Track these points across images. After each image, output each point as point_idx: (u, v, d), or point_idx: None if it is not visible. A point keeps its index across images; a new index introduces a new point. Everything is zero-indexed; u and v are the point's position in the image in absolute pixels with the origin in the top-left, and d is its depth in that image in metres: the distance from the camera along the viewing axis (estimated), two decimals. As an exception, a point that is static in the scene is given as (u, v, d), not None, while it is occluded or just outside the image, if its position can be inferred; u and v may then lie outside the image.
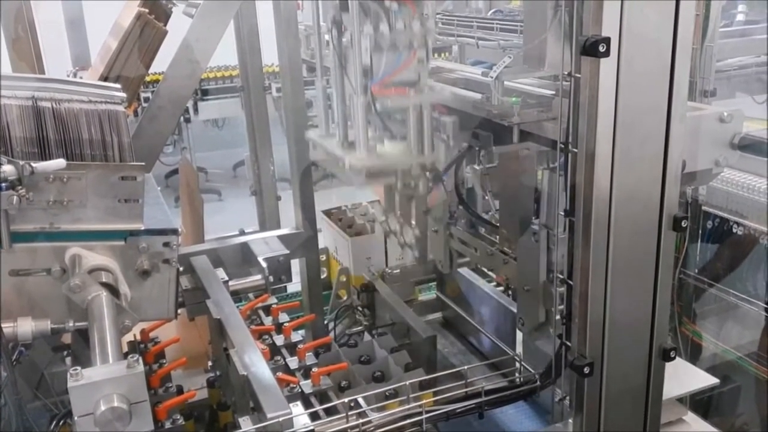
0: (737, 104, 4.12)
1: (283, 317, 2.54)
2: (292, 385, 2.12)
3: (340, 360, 2.38)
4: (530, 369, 2.15)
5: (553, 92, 1.81)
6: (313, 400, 2.11)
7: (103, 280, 1.87)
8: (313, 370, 2.19)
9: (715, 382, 2.17)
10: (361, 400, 1.99)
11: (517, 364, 2.27)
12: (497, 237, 2.52)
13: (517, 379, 2.15)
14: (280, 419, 1.79)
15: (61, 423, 2.20)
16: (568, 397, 1.99)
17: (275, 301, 2.65)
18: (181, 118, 7.00)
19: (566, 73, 1.64)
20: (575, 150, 1.67)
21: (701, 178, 1.98)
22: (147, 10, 2.68)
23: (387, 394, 2.06)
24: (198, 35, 2.54)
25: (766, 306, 3.06)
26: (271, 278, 2.77)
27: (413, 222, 2.38)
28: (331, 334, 3.14)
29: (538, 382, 2.03)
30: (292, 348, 2.36)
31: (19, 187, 1.71)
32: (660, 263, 1.76)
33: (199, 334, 2.92)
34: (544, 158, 2.08)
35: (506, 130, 1.90)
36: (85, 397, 1.40)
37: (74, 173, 1.81)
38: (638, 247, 1.73)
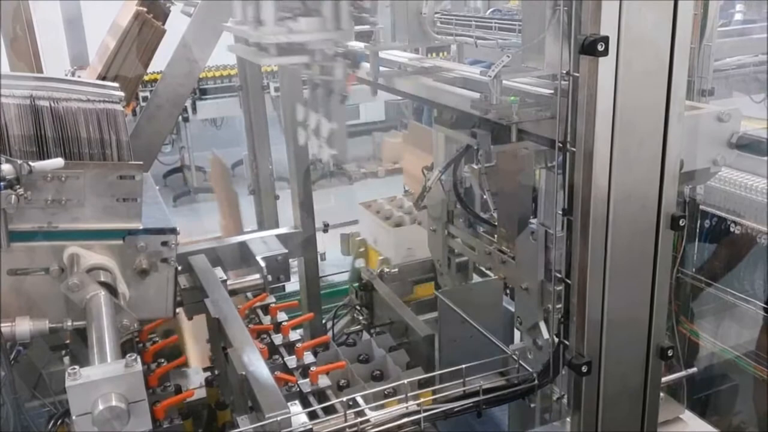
0: (735, 103, 4.12)
1: (282, 316, 2.54)
2: (290, 384, 2.13)
3: (338, 359, 2.38)
4: (528, 368, 2.15)
5: (552, 91, 1.81)
6: (311, 399, 2.11)
7: (102, 279, 1.87)
8: (311, 369, 2.19)
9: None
10: (359, 399, 2.00)
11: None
12: (495, 236, 2.52)
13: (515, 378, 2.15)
14: (278, 418, 1.79)
15: (59, 422, 2.19)
16: (565, 396, 2.00)
17: (273, 300, 2.65)
18: (180, 118, 7.00)
19: (565, 72, 1.64)
20: (573, 149, 1.67)
21: (699, 178, 1.98)
22: (145, 9, 2.68)
23: (386, 392, 2.06)
24: (196, 34, 2.54)
25: (763, 305, 3.06)
26: (269, 277, 2.78)
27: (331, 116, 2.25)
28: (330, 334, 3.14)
29: (536, 381, 2.04)
30: (290, 347, 2.36)
31: (18, 186, 1.71)
32: (658, 262, 1.76)
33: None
34: (543, 157, 2.08)
35: (504, 130, 1.90)
36: (84, 396, 1.40)
37: (72, 172, 1.81)
38: (636, 246, 1.73)
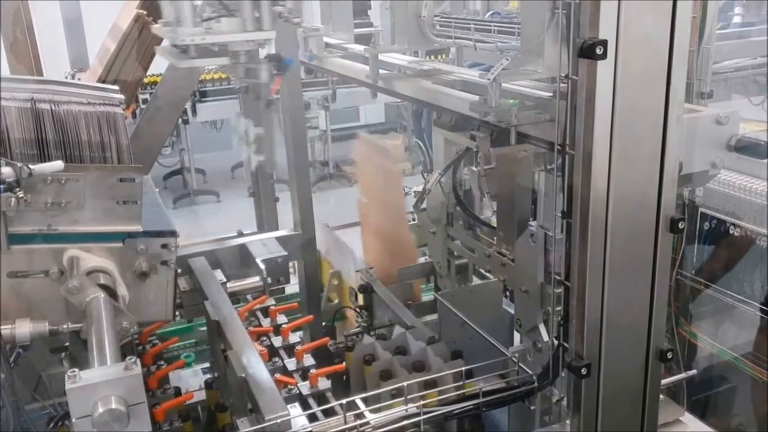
0: (734, 106, 4.13)
1: (281, 319, 2.54)
2: (290, 387, 2.13)
3: (375, 351, 2.37)
4: (528, 370, 2.15)
5: (551, 94, 1.82)
6: (311, 401, 2.11)
7: (101, 281, 1.87)
8: (311, 371, 2.19)
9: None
10: (359, 401, 2.00)
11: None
12: (495, 238, 2.53)
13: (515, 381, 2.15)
14: (278, 421, 1.79)
15: (59, 425, 2.19)
16: (565, 398, 2.00)
17: (273, 302, 2.65)
18: (180, 120, 7.01)
19: (563, 75, 1.65)
20: (572, 152, 1.67)
21: (698, 180, 1.99)
22: (145, 12, 2.68)
23: (392, 393, 2.04)
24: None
25: (762, 307, 3.07)
26: (269, 279, 2.78)
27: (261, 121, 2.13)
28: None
29: (536, 383, 2.04)
30: (290, 349, 2.36)
31: (17, 189, 1.71)
32: (657, 264, 1.76)
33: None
34: (542, 160, 2.08)
35: (504, 132, 1.91)
36: (83, 398, 1.40)
37: (72, 175, 1.81)
38: (635, 248, 1.73)
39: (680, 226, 1.73)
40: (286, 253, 2.99)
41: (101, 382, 1.41)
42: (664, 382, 2.04)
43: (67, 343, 2.60)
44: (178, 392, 2.23)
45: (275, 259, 2.92)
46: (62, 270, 1.89)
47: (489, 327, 2.57)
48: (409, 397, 1.93)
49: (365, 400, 1.98)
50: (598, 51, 1.53)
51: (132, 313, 1.88)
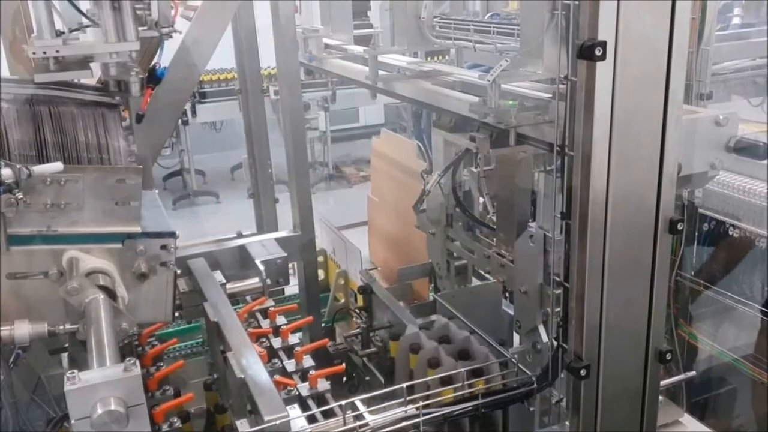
0: (733, 107, 4.13)
1: (281, 320, 2.54)
2: (289, 388, 2.12)
3: (419, 340, 2.42)
4: (527, 371, 2.15)
5: (550, 95, 1.82)
6: (310, 402, 2.11)
7: (101, 283, 1.86)
8: (310, 372, 2.19)
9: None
10: (358, 403, 2.00)
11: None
12: (494, 239, 2.53)
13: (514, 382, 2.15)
14: (277, 422, 1.79)
15: (58, 426, 2.19)
16: (564, 400, 2.00)
17: (272, 303, 2.65)
18: (179, 121, 7.00)
19: (563, 76, 1.65)
20: (571, 153, 1.67)
21: (697, 181, 1.99)
22: (145, 13, 2.67)
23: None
24: (196, 38, 2.54)
25: (761, 308, 3.07)
26: (268, 281, 2.78)
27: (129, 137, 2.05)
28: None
29: (535, 385, 2.04)
30: (289, 350, 2.36)
31: (17, 190, 1.71)
32: (656, 266, 1.77)
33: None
34: (541, 161, 2.08)
35: (503, 133, 1.91)
36: (82, 400, 1.40)
37: (71, 176, 1.81)
38: (634, 249, 1.73)
39: (679, 227, 1.73)
40: (285, 255, 2.99)
41: (100, 384, 1.41)
42: (663, 383, 2.04)
43: (67, 345, 2.60)
44: (177, 393, 2.22)
45: (275, 261, 2.92)
46: (61, 271, 1.88)
47: (488, 328, 2.57)
48: (456, 385, 1.96)
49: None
50: (597, 52, 1.53)
51: (131, 314, 1.88)
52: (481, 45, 2.31)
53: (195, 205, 8.40)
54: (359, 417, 1.94)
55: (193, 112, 7.37)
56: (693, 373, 2.57)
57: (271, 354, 2.35)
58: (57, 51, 1.76)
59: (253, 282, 2.79)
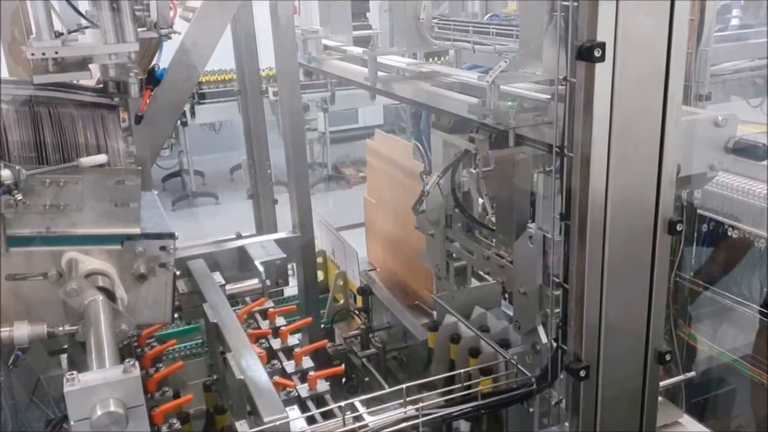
0: (732, 108, 4.14)
1: (280, 321, 2.54)
2: (288, 389, 2.12)
3: (459, 330, 2.50)
4: (526, 372, 2.15)
5: (549, 96, 1.82)
6: (309, 403, 2.11)
7: (100, 284, 1.86)
8: (309, 373, 2.19)
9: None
10: (357, 404, 2.00)
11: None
12: (493, 240, 2.53)
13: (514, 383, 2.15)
14: (277, 423, 1.79)
15: (57, 427, 2.19)
16: (564, 400, 2.00)
17: (272, 304, 2.65)
18: (178, 122, 7.00)
19: (562, 77, 1.65)
20: (571, 154, 1.67)
21: (696, 182, 1.98)
22: (144, 14, 2.67)
23: (383, 398, 2.06)
24: (195, 39, 2.54)
25: (760, 309, 3.07)
26: (268, 282, 2.78)
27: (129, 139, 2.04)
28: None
29: (535, 386, 2.04)
30: (288, 351, 2.36)
31: (16, 192, 1.71)
32: (655, 266, 1.77)
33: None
34: (540, 162, 2.08)
35: (502, 134, 1.91)
36: (82, 401, 1.40)
37: (71, 177, 1.81)
38: (633, 250, 1.74)
39: (678, 228, 1.74)
40: (284, 256, 2.99)
41: (100, 385, 1.41)
42: (662, 384, 2.04)
43: (66, 346, 2.60)
44: (176, 395, 2.22)
45: (274, 262, 2.92)
46: (61, 272, 1.88)
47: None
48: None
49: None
50: (596, 53, 1.53)
51: (131, 315, 1.88)
52: (480, 46, 2.31)
53: (194, 206, 8.39)
54: (359, 418, 1.94)
55: (192, 113, 7.36)
56: (692, 373, 2.56)
57: (271, 355, 2.35)
58: (56, 52, 1.75)
59: (253, 283, 2.79)
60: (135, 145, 2.11)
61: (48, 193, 1.81)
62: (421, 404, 1.95)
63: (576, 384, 1.83)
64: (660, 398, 2.00)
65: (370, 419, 1.93)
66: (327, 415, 2.01)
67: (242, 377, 2.00)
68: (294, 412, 1.92)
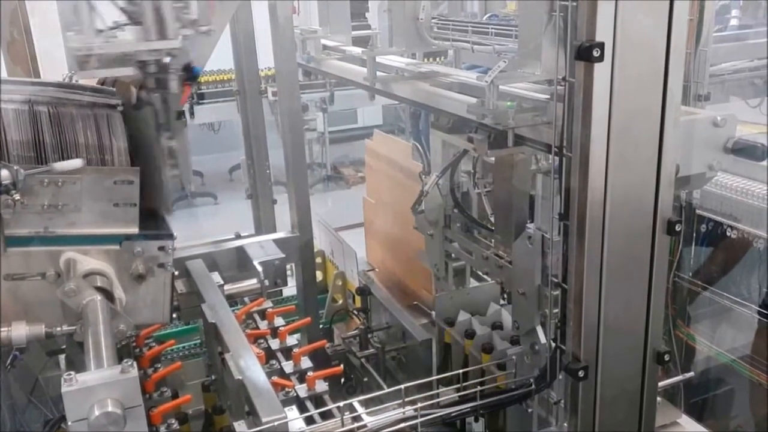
0: (731, 108, 4.14)
1: (279, 321, 2.54)
2: (287, 389, 2.12)
3: (472, 326, 2.54)
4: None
5: (548, 96, 1.82)
6: (308, 404, 2.11)
7: (98, 284, 1.86)
8: (308, 374, 2.19)
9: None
10: (356, 404, 2.00)
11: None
12: (492, 240, 2.53)
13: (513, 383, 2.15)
14: (275, 423, 1.79)
15: (55, 427, 2.19)
16: (562, 401, 2.00)
17: (271, 305, 2.65)
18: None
19: (561, 77, 1.65)
20: (570, 154, 1.67)
21: (695, 182, 1.98)
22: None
23: (381, 398, 2.06)
24: (194, 39, 2.54)
25: (759, 309, 3.07)
26: (266, 282, 2.77)
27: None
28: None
29: (533, 386, 2.04)
30: (287, 352, 2.36)
31: (14, 192, 1.71)
32: (654, 267, 1.77)
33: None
34: (539, 162, 2.08)
35: (501, 134, 1.91)
36: (79, 401, 1.40)
37: (69, 177, 1.81)
38: (632, 250, 1.74)
39: (677, 228, 1.73)
40: (283, 256, 2.99)
41: (97, 385, 1.41)
42: (661, 384, 2.04)
43: (64, 346, 2.59)
44: (175, 395, 2.22)
45: (273, 262, 2.92)
46: (59, 272, 1.88)
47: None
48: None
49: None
50: (595, 53, 1.53)
51: (129, 315, 1.88)
52: (479, 46, 2.31)
53: (193, 206, 8.39)
54: (357, 418, 1.94)
55: (191, 113, 7.36)
56: (691, 374, 2.57)
57: (269, 355, 2.35)
58: (100, 48, 1.76)
59: (251, 283, 2.79)
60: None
61: (46, 193, 1.81)
62: (419, 404, 1.95)
63: (575, 384, 1.83)
64: (659, 398, 2.00)
65: (368, 419, 1.92)
66: (326, 416, 2.01)
67: (240, 377, 2.00)
68: (292, 413, 1.91)
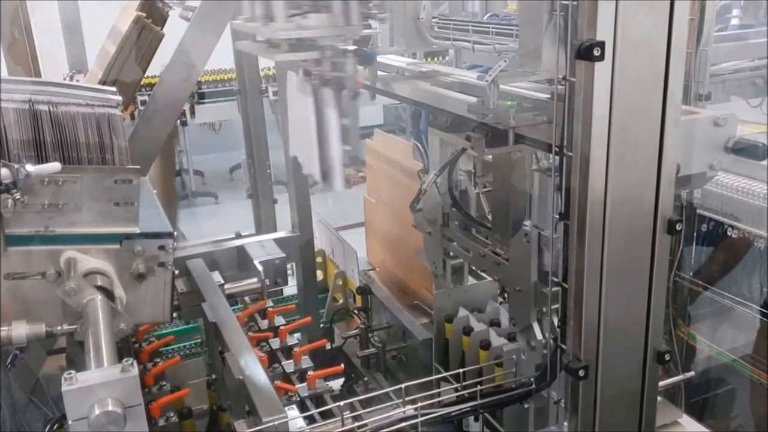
0: (732, 108, 4.14)
1: (279, 320, 2.54)
2: (290, 394, 2.12)
3: (470, 323, 2.57)
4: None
5: (549, 96, 1.82)
6: (308, 403, 2.11)
7: (99, 283, 1.86)
8: (308, 373, 2.19)
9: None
10: (356, 404, 2.00)
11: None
12: (490, 238, 2.53)
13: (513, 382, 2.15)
14: (276, 423, 1.79)
15: (55, 427, 2.19)
16: (563, 400, 2.00)
17: (271, 304, 2.65)
18: (178, 121, 6.99)
19: (561, 77, 1.65)
20: (570, 153, 1.67)
21: (695, 182, 1.98)
22: (144, 14, 2.68)
23: (381, 398, 2.06)
24: (194, 38, 2.54)
25: (760, 309, 3.07)
26: (267, 281, 2.78)
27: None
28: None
29: (533, 385, 2.04)
30: (288, 351, 2.36)
31: (15, 191, 1.71)
32: (655, 266, 1.76)
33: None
34: (537, 160, 2.08)
35: (501, 133, 1.91)
36: (80, 400, 1.40)
37: (70, 176, 1.81)
38: (633, 250, 1.73)
39: (678, 227, 1.73)
40: (284, 255, 2.99)
41: (98, 384, 1.41)
42: (661, 384, 2.04)
43: (65, 345, 2.60)
44: (175, 390, 2.23)
45: (273, 261, 2.92)
46: (59, 272, 1.88)
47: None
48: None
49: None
50: (596, 53, 1.53)
51: (129, 314, 1.88)
52: (480, 46, 2.31)
53: (194, 205, 8.40)
54: (357, 418, 1.94)
55: (192, 113, 7.35)
56: (692, 373, 2.56)
57: (272, 358, 2.35)
58: (298, 34, 1.87)
59: (252, 282, 2.79)
60: (134, 144, 2.10)
61: (46, 192, 1.81)
62: (420, 404, 1.95)
63: (575, 384, 1.83)
64: (659, 398, 2.00)
65: (369, 419, 1.92)
66: (326, 415, 2.01)
67: (241, 377, 2.00)
68: (293, 412, 1.91)
